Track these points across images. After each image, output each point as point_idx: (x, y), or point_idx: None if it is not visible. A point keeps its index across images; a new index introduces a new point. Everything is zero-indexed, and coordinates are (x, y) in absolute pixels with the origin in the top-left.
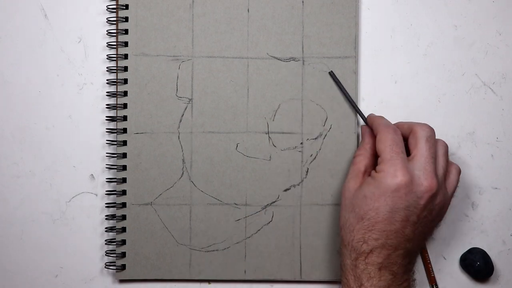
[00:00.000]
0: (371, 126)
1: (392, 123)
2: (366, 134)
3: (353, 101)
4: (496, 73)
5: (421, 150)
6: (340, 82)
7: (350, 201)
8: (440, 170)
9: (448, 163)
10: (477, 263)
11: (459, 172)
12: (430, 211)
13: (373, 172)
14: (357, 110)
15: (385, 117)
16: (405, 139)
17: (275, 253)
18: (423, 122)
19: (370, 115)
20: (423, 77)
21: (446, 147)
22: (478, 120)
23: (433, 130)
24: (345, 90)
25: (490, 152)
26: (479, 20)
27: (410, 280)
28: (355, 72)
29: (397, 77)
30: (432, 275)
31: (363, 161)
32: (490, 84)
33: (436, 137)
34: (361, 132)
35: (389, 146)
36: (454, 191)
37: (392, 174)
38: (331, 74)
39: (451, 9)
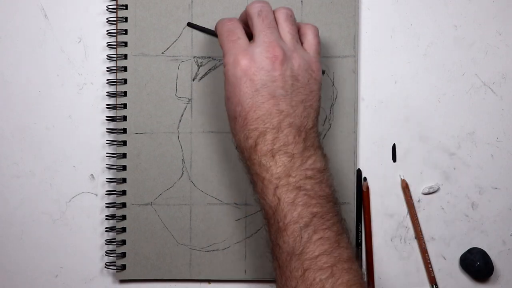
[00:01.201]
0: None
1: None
2: None
3: (211, 30)
4: (496, 73)
5: (256, 27)
6: (202, 27)
7: (226, 110)
8: (287, 36)
9: (299, 28)
10: (477, 263)
11: (315, 30)
12: (295, 77)
13: (224, 70)
14: (206, 31)
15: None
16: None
17: None
18: (424, 121)
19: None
20: (423, 77)
21: (286, 12)
22: (478, 120)
23: (265, 2)
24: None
25: (490, 152)
26: (479, 20)
27: (317, 156)
28: (355, 72)
29: (397, 77)
30: (432, 275)
31: (224, 67)
32: (490, 84)
33: (282, 8)
34: None
35: (225, 37)
36: (317, 49)
37: (233, 63)
38: (190, 24)
39: (451, 9)
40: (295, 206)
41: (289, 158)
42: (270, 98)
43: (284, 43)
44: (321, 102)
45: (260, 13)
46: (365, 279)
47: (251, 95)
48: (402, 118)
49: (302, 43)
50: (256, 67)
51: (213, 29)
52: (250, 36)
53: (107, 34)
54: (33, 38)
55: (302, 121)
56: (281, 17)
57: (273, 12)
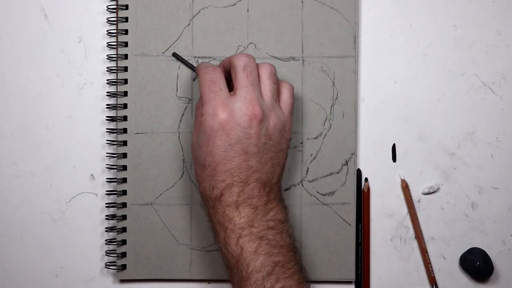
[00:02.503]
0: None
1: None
2: None
3: (191, 65)
4: (496, 73)
5: (239, 81)
6: (184, 60)
7: (193, 154)
8: (267, 94)
9: (278, 85)
10: (477, 263)
11: (291, 89)
12: (269, 137)
13: (199, 119)
14: (188, 65)
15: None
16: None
17: None
18: (424, 121)
19: (197, 66)
20: (423, 77)
21: (270, 69)
22: (478, 120)
23: (250, 57)
24: (186, 62)
25: (490, 152)
26: (479, 20)
27: (279, 208)
28: (355, 72)
29: (397, 77)
30: (432, 275)
31: (196, 110)
32: (490, 84)
33: (261, 62)
34: None
35: (207, 87)
36: (291, 109)
37: (212, 114)
38: (174, 55)
39: (451, 9)
40: (257, 255)
41: (253, 210)
42: (242, 153)
43: (264, 101)
44: (321, 101)
45: (246, 68)
46: None
47: (224, 149)
48: (402, 118)
49: (278, 100)
50: (234, 122)
51: (195, 65)
52: (228, 81)
53: (107, 34)
54: (33, 38)
55: (268, 177)
56: (264, 73)
57: (257, 67)
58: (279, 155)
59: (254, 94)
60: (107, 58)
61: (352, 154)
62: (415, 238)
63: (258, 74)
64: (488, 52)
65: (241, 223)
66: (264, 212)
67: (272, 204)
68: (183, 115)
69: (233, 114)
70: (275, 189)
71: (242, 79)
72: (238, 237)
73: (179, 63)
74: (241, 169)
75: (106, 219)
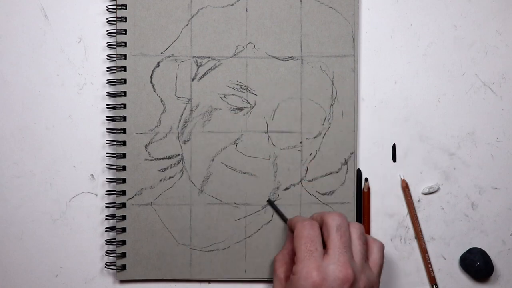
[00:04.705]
0: (291, 227)
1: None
2: (287, 238)
3: (284, 216)
4: (496, 73)
5: (333, 242)
6: (278, 209)
7: None
8: (358, 255)
9: (367, 244)
10: (477, 263)
11: (382, 248)
12: None
13: (291, 276)
14: (280, 215)
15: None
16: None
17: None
18: (424, 121)
19: (290, 219)
20: (423, 77)
21: (360, 228)
22: (478, 120)
23: (343, 216)
24: (282, 214)
25: (490, 152)
26: (479, 20)
27: None
28: (354, 71)
29: (397, 77)
30: (432, 275)
31: (281, 267)
32: (490, 84)
33: (351, 221)
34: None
35: (303, 244)
36: (380, 268)
37: (305, 275)
38: (269, 202)
39: (451, 9)
40: None
41: None
42: None
43: (355, 263)
44: (320, 101)
45: (339, 228)
46: None
47: None
48: (402, 118)
49: (367, 258)
50: (326, 285)
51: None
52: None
53: (107, 34)
54: (33, 38)
55: None
56: (355, 233)
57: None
58: None
59: (347, 257)
60: (107, 58)
61: (352, 153)
62: (415, 238)
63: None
64: (488, 52)
65: None
66: None
67: None
68: (182, 115)
69: (327, 277)
70: None
71: (335, 240)
72: None
73: (178, 62)
74: None
75: (106, 219)
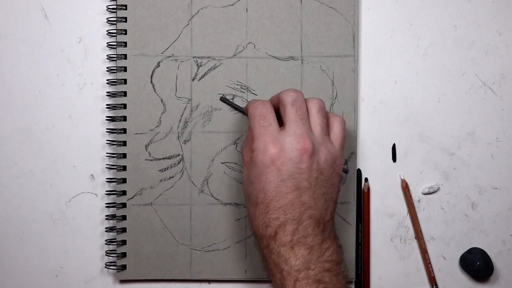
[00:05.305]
0: (247, 112)
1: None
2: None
3: (241, 108)
4: (496, 73)
5: (289, 116)
6: (233, 103)
7: (245, 192)
8: (317, 128)
9: (327, 119)
10: (477, 263)
11: (342, 123)
12: (320, 171)
13: (250, 154)
14: (237, 108)
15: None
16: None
17: None
18: (424, 121)
19: (246, 105)
20: (423, 77)
21: (319, 103)
22: (478, 120)
23: (299, 92)
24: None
25: (490, 152)
26: (479, 20)
27: (334, 248)
28: (354, 71)
29: (397, 77)
30: (432, 275)
31: (246, 154)
32: (490, 84)
33: (315, 99)
34: None
35: (257, 121)
36: (342, 143)
37: (262, 149)
38: (222, 100)
39: (451, 9)
40: None
41: (308, 250)
42: (295, 189)
43: (314, 135)
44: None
45: (294, 102)
46: None
47: (276, 185)
48: (402, 118)
49: (328, 134)
50: (285, 157)
51: (243, 107)
52: (278, 118)
53: (107, 34)
54: (33, 38)
55: (321, 213)
56: (313, 108)
57: (305, 102)
58: (331, 190)
59: (304, 129)
60: (107, 58)
61: (352, 153)
62: (415, 238)
63: (307, 109)
64: (488, 52)
65: (297, 264)
66: (319, 252)
67: (327, 244)
68: (182, 115)
69: (284, 148)
70: (329, 226)
71: (291, 114)
72: (295, 281)
73: (178, 63)
74: (294, 206)
75: (106, 219)
